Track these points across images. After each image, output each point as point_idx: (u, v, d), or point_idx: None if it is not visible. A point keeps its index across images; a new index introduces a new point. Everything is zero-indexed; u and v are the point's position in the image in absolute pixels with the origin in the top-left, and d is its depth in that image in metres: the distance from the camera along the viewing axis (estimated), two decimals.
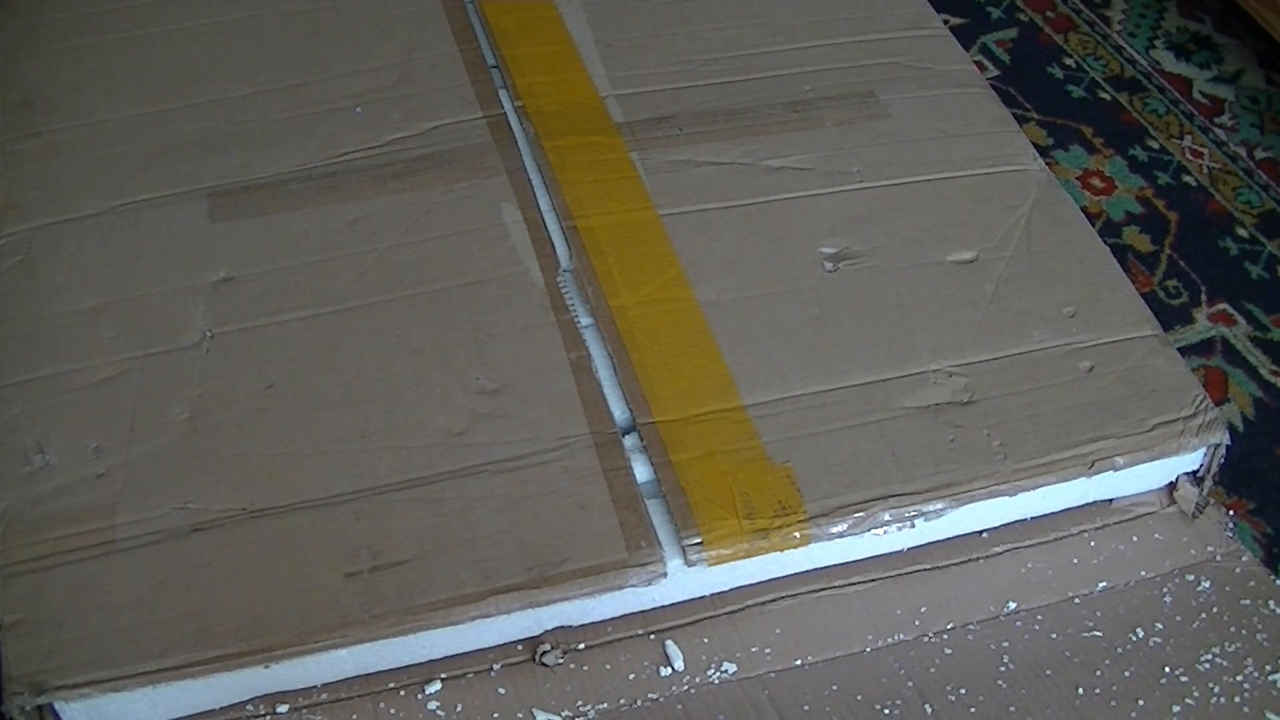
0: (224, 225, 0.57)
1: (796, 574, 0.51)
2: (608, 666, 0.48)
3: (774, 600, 0.50)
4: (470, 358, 0.52)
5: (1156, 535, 0.54)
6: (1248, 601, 0.51)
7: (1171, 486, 0.55)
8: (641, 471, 0.50)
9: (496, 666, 0.48)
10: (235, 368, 0.52)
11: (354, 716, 0.46)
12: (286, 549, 0.46)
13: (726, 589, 0.50)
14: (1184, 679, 0.49)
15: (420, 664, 0.48)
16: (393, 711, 0.46)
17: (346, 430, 0.50)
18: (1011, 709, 0.47)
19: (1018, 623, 0.50)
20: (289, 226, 0.57)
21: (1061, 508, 0.54)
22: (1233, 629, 0.50)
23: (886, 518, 0.49)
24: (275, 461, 0.49)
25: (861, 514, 0.49)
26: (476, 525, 0.47)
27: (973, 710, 0.47)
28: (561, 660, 0.48)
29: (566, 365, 0.52)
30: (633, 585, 0.47)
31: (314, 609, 0.45)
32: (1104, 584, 0.52)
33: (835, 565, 0.51)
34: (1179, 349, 0.56)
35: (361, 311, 0.54)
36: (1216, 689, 0.48)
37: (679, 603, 0.50)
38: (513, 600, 0.46)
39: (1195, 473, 0.54)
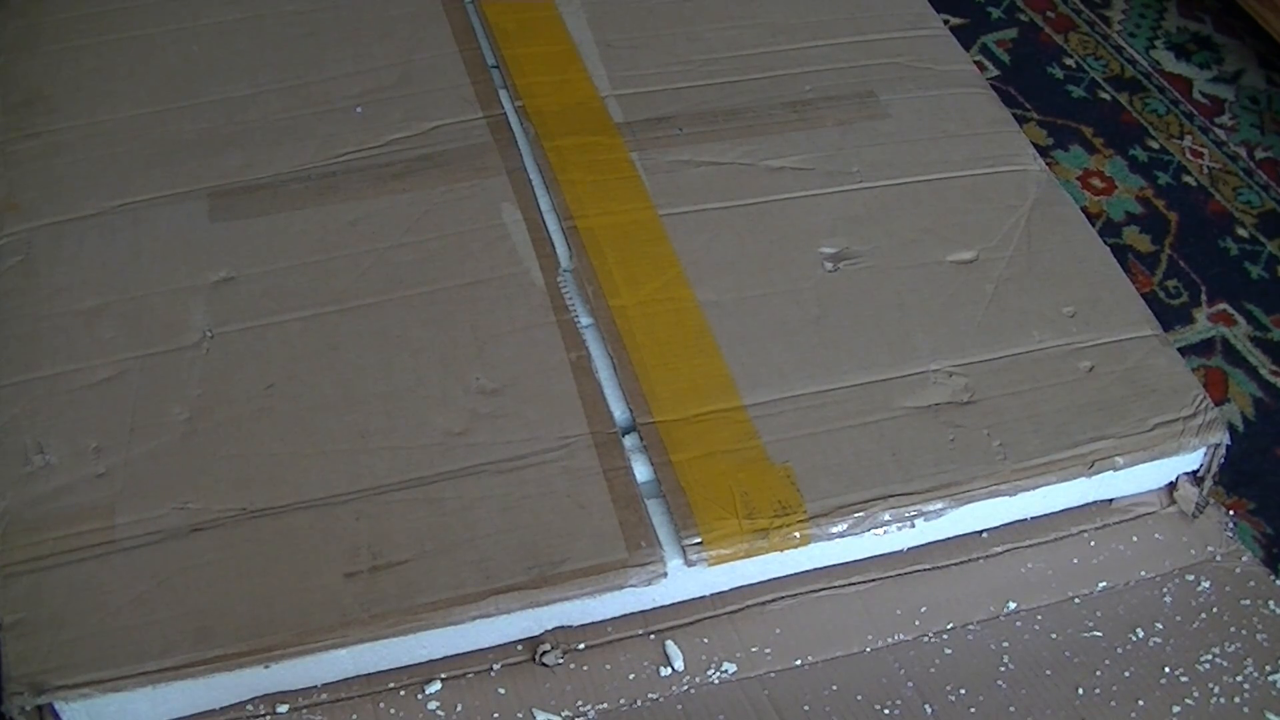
0: (224, 225, 0.57)
1: (796, 574, 0.51)
2: (608, 666, 0.48)
3: (774, 600, 0.50)
4: (470, 358, 0.52)
5: (1156, 535, 0.54)
6: (1248, 601, 0.51)
7: (1171, 486, 0.55)
8: (641, 471, 0.50)
9: (496, 666, 0.48)
10: (235, 368, 0.52)
11: (354, 716, 0.46)
12: (286, 549, 0.46)
13: (726, 589, 0.50)
14: (1184, 679, 0.49)
15: (420, 664, 0.48)
16: (393, 711, 0.46)
17: (346, 430, 0.50)
18: (1011, 709, 0.47)
19: (1018, 623, 0.50)
20: (289, 226, 0.57)
21: (1061, 508, 0.54)
22: (1233, 629, 0.50)
23: (886, 517, 0.49)
24: (275, 461, 0.49)
25: (861, 514, 0.49)
26: (476, 525, 0.47)
27: (973, 710, 0.47)
28: (561, 660, 0.48)
29: (566, 365, 0.52)
30: (633, 585, 0.46)
31: (314, 609, 0.45)
32: (1104, 584, 0.52)
33: (835, 565, 0.51)
34: (1179, 349, 0.56)
35: (361, 311, 0.54)
36: (1216, 689, 0.48)
37: (679, 603, 0.50)
38: (513, 600, 0.46)
39: (1195, 473, 0.54)
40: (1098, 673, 0.49)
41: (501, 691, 0.47)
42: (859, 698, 0.47)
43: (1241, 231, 0.75)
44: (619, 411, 0.52)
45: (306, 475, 0.48)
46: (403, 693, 0.47)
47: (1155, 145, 0.79)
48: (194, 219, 0.57)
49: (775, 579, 0.51)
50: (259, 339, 0.53)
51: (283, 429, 0.50)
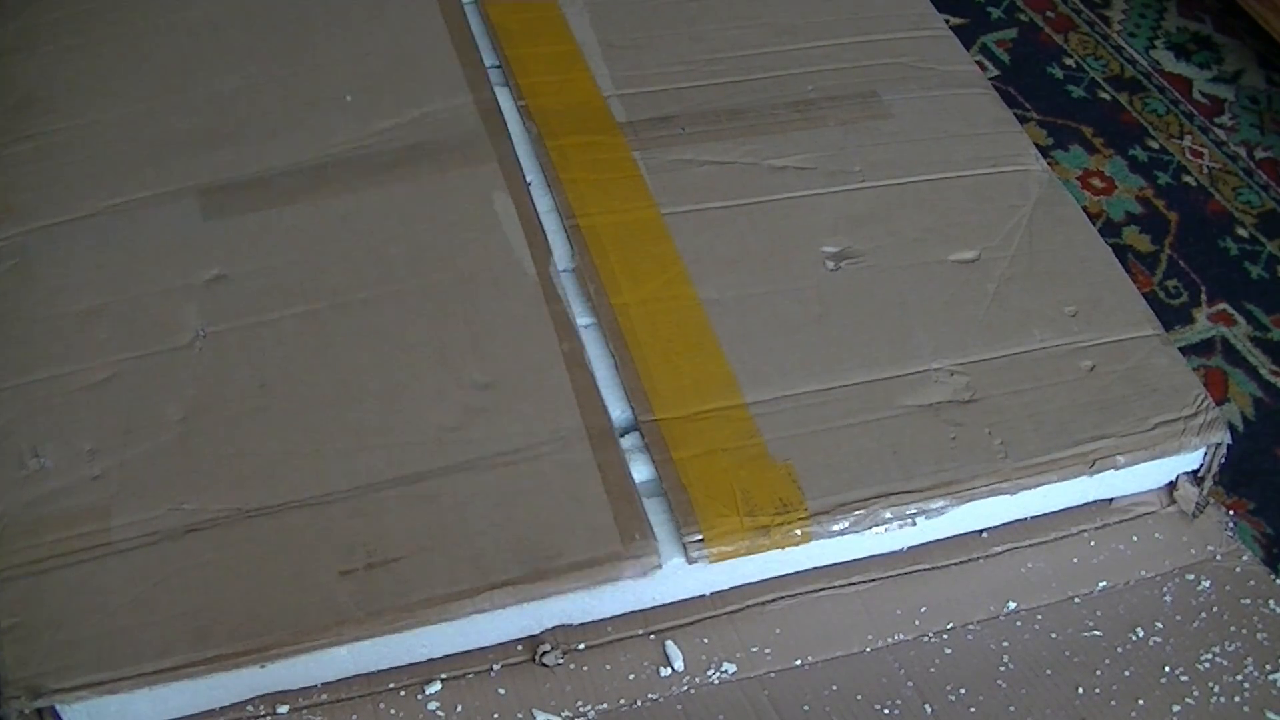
0: (216, 223, 0.57)
1: (796, 573, 0.51)
2: (608, 666, 0.48)
3: (774, 600, 0.50)
4: (464, 351, 0.52)
5: (1156, 535, 0.54)
6: (1248, 601, 0.51)
7: (1171, 486, 0.55)
8: (642, 470, 0.49)
9: (496, 666, 0.48)
10: (229, 366, 0.52)
11: (354, 716, 0.46)
12: (282, 548, 0.46)
13: (726, 588, 0.50)
14: (1184, 679, 0.49)
15: (420, 664, 0.47)
16: (393, 712, 0.46)
17: (341, 428, 0.50)
18: (1011, 709, 0.47)
19: (1018, 623, 0.50)
20: (281, 222, 0.57)
21: (1061, 507, 0.54)
22: (1233, 629, 0.50)
23: (887, 515, 0.49)
24: (270, 460, 0.49)
25: (862, 511, 0.49)
26: (471, 521, 0.47)
27: (973, 710, 0.47)
28: (561, 660, 0.48)
29: (559, 357, 0.52)
30: (628, 578, 0.46)
31: (310, 608, 0.44)
32: (1104, 584, 0.52)
33: (835, 565, 0.51)
34: (1179, 349, 0.56)
35: (355, 307, 0.54)
36: (1216, 688, 0.48)
37: (679, 602, 0.50)
38: (508, 596, 0.45)
39: (1195, 472, 0.54)
40: (1098, 672, 0.49)
41: (501, 691, 0.47)
42: (859, 698, 0.47)
43: (1241, 231, 0.75)
44: (620, 409, 0.52)
45: (301, 474, 0.48)
46: (403, 693, 0.47)
47: (1155, 145, 0.80)
48: (187, 217, 0.57)
49: (775, 578, 0.51)
50: (252, 337, 0.53)
51: (277, 427, 0.50)
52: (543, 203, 0.59)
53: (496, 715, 0.46)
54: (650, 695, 0.47)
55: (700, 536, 0.47)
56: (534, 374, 0.51)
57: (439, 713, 0.46)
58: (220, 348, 0.52)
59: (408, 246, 0.56)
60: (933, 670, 0.48)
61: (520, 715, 0.46)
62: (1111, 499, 0.55)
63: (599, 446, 0.49)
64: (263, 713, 0.46)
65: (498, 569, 0.46)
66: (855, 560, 0.51)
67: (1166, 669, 0.49)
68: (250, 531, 0.47)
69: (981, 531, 0.53)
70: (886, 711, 0.47)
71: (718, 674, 0.48)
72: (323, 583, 0.45)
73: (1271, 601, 0.51)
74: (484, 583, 0.45)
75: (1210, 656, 0.49)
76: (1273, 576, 0.53)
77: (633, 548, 0.46)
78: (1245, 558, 0.53)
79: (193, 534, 0.46)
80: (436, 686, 0.47)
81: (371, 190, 0.58)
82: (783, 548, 0.48)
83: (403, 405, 0.50)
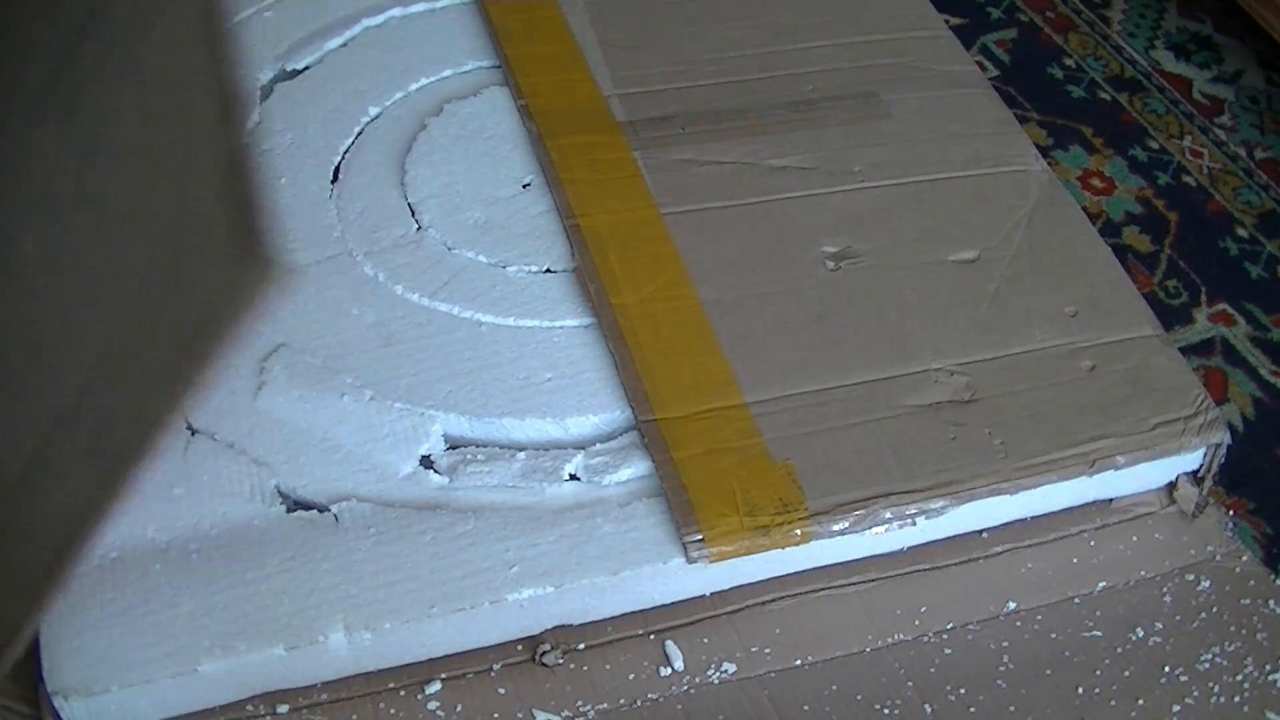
0: (39, 131, 0.45)
1: (796, 573, 0.51)
2: (608, 666, 0.48)
3: (774, 600, 0.50)
4: (171, 161, 0.37)
5: (1156, 535, 0.54)
6: (1248, 601, 0.51)
7: (1171, 486, 0.55)
8: (641, 468, 0.49)
9: (496, 666, 0.48)
10: (60, 282, 0.42)
11: (354, 716, 0.46)
12: (41, 461, 0.37)
13: (727, 588, 0.50)
14: (1184, 678, 0.49)
15: (420, 664, 0.47)
16: (393, 711, 0.46)
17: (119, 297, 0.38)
18: (1011, 709, 0.47)
19: (1018, 623, 0.50)
20: (92, 99, 0.43)
21: (1061, 507, 0.54)
22: (1233, 629, 0.50)
23: (887, 515, 0.49)
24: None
25: (862, 511, 0.49)
26: (151, 338, 0.36)
27: (973, 710, 0.47)
28: (561, 660, 0.48)
29: (219, 87, 0.35)
30: (257, 305, 0.32)
31: (67, 517, 0.37)
32: (1104, 584, 0.52)
33: (835, 565, 0.51)
34: (1179, 349, 0.56)
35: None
36: (1216, 688, 0.48)
37: (679, 602, 0.50)
38: (175, 397, 0.34)
39: (1195, 472, 0.54)
40: (1098, 672, 0.49)
41: (501, 691, 0.47)
42: (859, 698, 0.47)
43: (1241, 231, 0.75)
44: (620, 409, 0.51)
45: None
46: (403, 693, 0.47)
47: (1155, 145, 0.80)
48: (35, 139, 0.45)
49: (775, 578, 0.50)
50: (71, 243, 0.41)
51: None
52: (542, 203, 0.59)
53: (496, 715, 0.46)
54: (650, 695, 0.47)
55: (700, 536, 0.48)
56: (191, 119, 0.37)
57: (439, 712, 0.46)
58: (50, 268, 0.41)
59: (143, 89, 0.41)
60: (933, 670, 0.48)
61: (520, 715, 0.46)
62: (1111, 499, 0.55)
63: (229, 170, 0.34)
64: (262, 712, 0.46)
65: (171, 380, 0.34)
66: (855, 560, 0.51)
67: (1166, 669, 0.49)
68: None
69: (981, 531, 0.53)
70: (886, 711, 0.47)
71: (718, 674, 0.48)
72: (76, 478, 0.37)
73: (1271, 601, 0.51)
74: (160, 407, 0.34)
75: (1210, 656, 0.49)
76: (1273, 576, 0.53)
77: (254, 268, 0.32)
78: (1245, 558, 0.53)
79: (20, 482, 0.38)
80: (436, 686, 0.47)
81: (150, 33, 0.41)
82: (783, 548, 0.48)
83: (168, 246, 0.37)
